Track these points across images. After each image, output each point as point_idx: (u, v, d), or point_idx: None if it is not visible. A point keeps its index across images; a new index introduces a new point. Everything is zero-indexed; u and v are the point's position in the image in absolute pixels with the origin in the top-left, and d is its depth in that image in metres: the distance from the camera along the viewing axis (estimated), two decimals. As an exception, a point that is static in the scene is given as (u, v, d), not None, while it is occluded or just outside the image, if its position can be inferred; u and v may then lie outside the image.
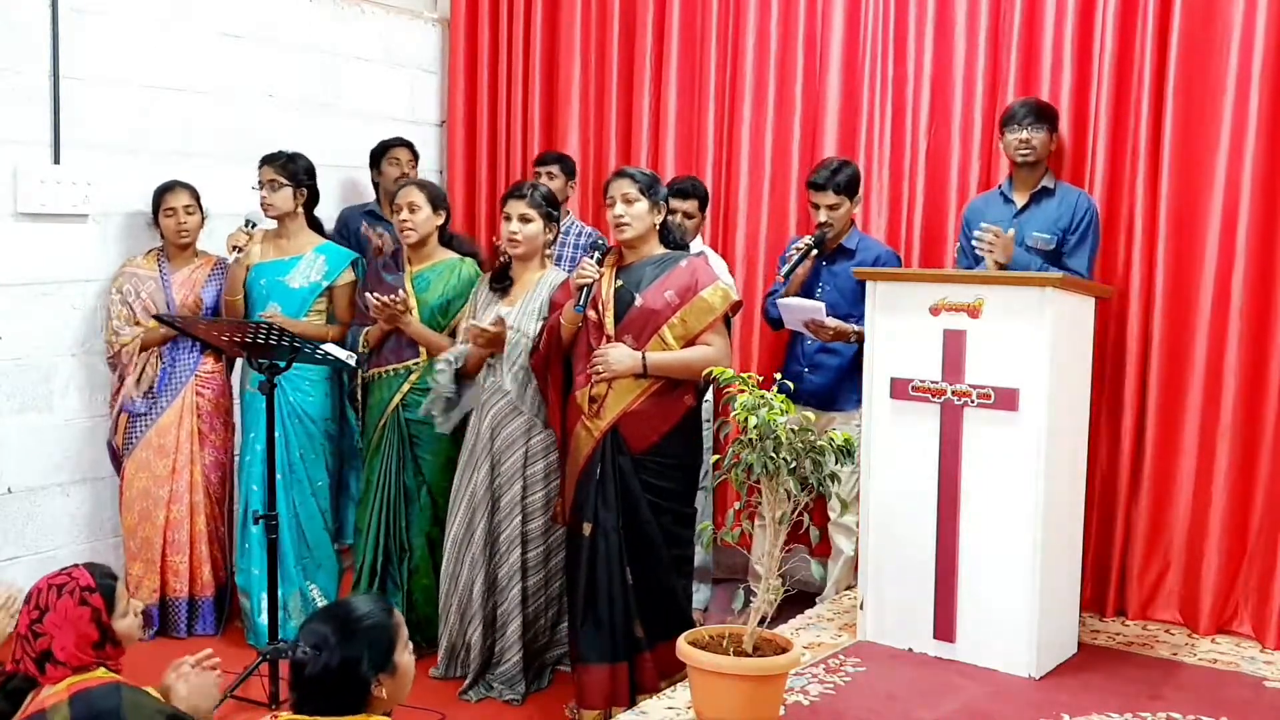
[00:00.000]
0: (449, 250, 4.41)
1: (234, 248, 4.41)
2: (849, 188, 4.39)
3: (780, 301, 4.37)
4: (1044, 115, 4.24)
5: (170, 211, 4.52)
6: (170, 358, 4.52)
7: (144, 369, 4.49)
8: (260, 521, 4.01)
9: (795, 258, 4.33)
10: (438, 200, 4.35)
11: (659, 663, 3.74)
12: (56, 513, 4.61)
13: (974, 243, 4.11)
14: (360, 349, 4.32)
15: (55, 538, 4.61)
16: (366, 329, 4.37)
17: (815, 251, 4.34)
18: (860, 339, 4.24)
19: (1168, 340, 4.27)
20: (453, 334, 4.28)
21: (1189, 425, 4.25)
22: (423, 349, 4.29)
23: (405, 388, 4.30)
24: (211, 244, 4.70)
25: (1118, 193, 4.37)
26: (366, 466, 4.41)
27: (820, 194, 4.37)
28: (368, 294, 4.27)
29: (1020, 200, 4.29)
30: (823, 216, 4.37)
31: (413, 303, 4.27)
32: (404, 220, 4.28)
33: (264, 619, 4.35)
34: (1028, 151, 4.21)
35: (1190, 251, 4.24)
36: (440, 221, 4.35)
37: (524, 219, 4.02)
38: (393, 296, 4.19)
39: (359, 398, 4.48)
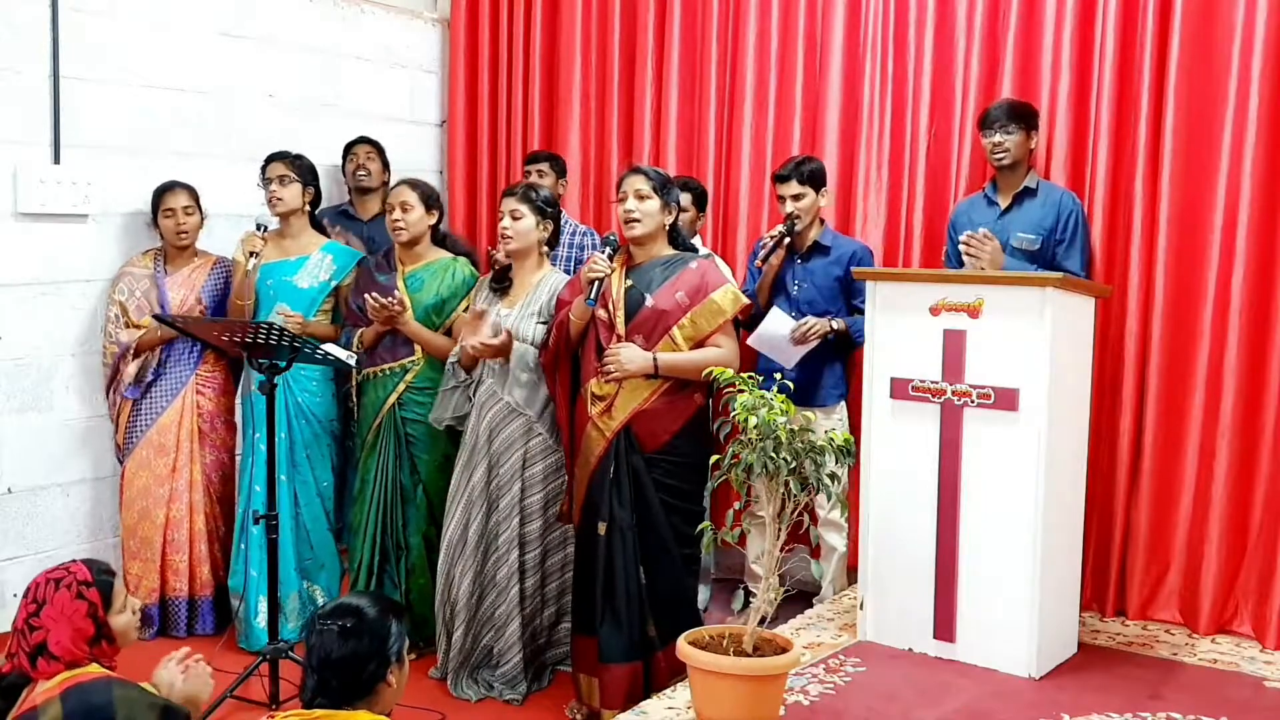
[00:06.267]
0: (442, 250, 4.40)
1: (251, 252, 4.34)
2: (813, 179, 4.43)
3: (754, 340, 4.37)
4: (1018, 116, 4.22)
5: (169, 212, 4.52)
6: (169, 357, 4.52)
7: (139, 371, 4.48)
8: (260, 522, 4.00)
9: (770, 244, 4.37)
10: (430, 199, 4.33)
11: (672, 663, 3.73)
12: (56, 513, 4.62)
13: (961, 248, 4.11)
14: (355, 349, 4.31)
15: (55, 538, 4.61)
16: (361, 330, 4.37)
17: (788, 240, 4.36)
18: (838, 333, 4.30)
19: (1168, 340, 4.27)
20: (448, 333, 4.28)
21: (1189, 425, 4.24)
22: (418, 347, 4.29)
23: (401, 387, 4.30)
24: (211, 244, 4.70)
25: (1118, 193, 4.37)
26: (361, 465, 4.41)
27: (784, 185, 4.42)
28: (365, 295, 4.26)
29: (1004, 202, 4.28)
30: (789, 207, 4.40)
31: (408, 302, 4.27)
32: (395, 220, 4.27)
33: (260, 621, 4.35)
34: (1003, 155, 4.21)
35: (1191, 252, 4.23)
36: (433, 221, 4.34)
37: (514, 215, 4.02)
38: (389, 298, 4.19)
39: (354, 398, 4.47)
